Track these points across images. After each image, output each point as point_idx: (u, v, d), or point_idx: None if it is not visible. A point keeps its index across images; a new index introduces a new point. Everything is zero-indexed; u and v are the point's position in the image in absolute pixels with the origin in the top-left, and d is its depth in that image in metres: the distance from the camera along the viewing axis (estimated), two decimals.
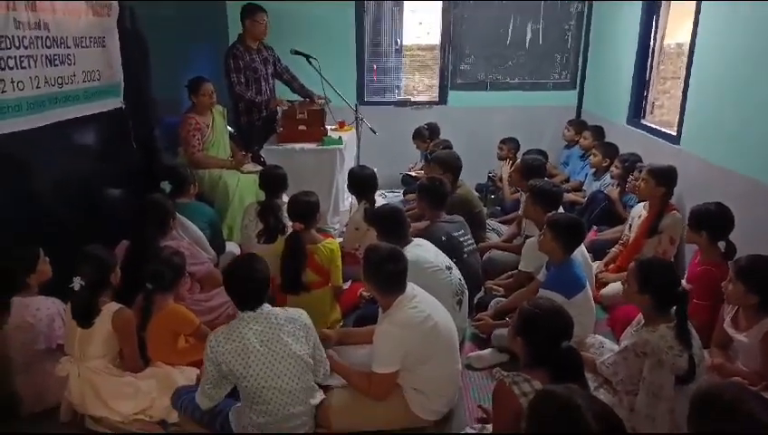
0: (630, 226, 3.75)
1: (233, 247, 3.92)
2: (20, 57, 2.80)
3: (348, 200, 4.87)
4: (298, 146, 4.71)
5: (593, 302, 2.99)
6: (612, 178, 4.43)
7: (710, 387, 1.35)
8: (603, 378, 2.46)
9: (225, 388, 2.25)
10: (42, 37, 2.98)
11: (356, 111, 4.85)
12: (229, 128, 4.69)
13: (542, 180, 3.63)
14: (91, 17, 3.43)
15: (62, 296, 2.58)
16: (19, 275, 2.52)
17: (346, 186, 4.15)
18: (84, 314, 2.41)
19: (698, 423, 1.29)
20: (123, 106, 3.76)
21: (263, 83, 4.92)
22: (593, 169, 4.87)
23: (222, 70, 4.82)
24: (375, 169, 3.98)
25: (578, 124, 5.70)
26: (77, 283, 2.38)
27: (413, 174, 5.60)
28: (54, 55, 3.09)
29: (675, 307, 2.25)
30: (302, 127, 4.79)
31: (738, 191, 3.24)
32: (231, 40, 5.10)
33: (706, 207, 2.90)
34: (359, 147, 4.96)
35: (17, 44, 2.78)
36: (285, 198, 3.61)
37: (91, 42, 3.44)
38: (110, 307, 2.47)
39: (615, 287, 3.40)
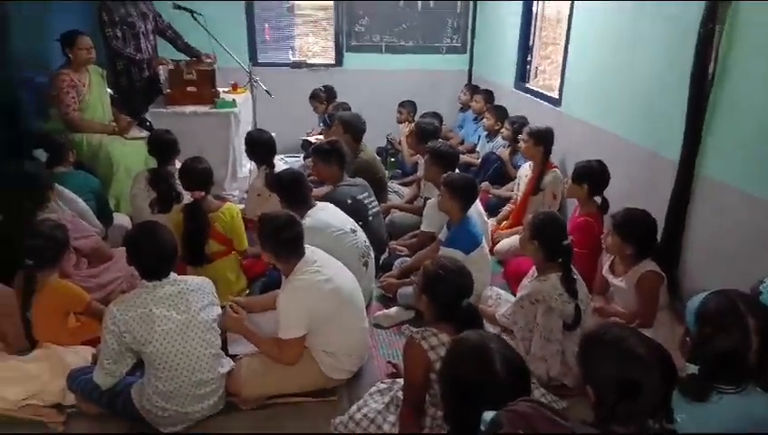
0: (518, 185, 4.00)
1: (122, 219, 3.65)
2: None
3: (246, 166, 4.71)
4: (188, 109, 4.44)
5: (489, 256, 3.18)
6: (504, 139, 4.67)
7: (596, 328, 1.51)
8: (501, 328, 2.64)
9: (127, 363, 2.15)
10: None
11: (249, 72, 4.65)
12: (109, 90, 4.30)
13: (440, 142, 3.74)
14: None
15: None
16: None
17: (244, 151, 4.00)
18: None
19: (588, 360, 1.45)
20: None
21: (142, 39, 4.53)
22: (486, 132, 5.09)
23: (95, 25, 4.37)
24: (273, 134, 3.87)
25: (471, 88, 5.90)
26: None
27: (312, 139, 5.51)
28: None
29: (561, 259, 2.47)
30: (190, 88, 4.52)
31: (612, 150, 3.56)
32: None
33: (589, 163, 3.17)
34: (254, 110, 4.79)
35: None
36: (178, 164, 3.42)
37: None
38: None
39: (507, 242, 3.63)
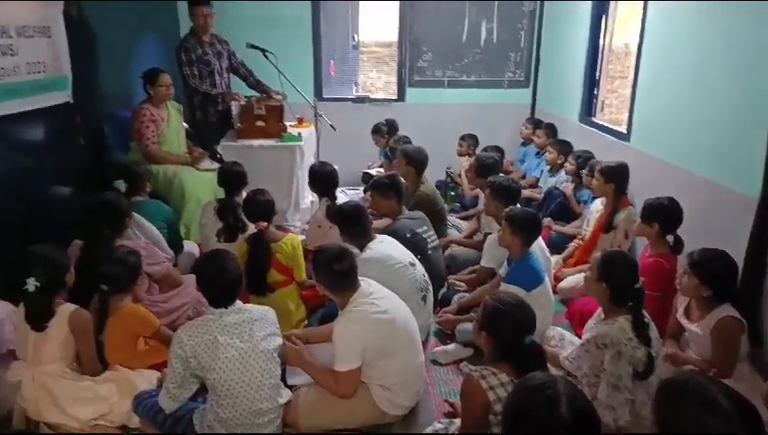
0: (588, 220, 3.88)
1: (191, 247, 3.82)
2: None
3: (308, 198, 4.82)
4: (256, 142, 4.63)
5: (552, 295, 3.08)
6: (567, 174, 4.57)
7: (675, 376, 1.42)
8: (565, 371, 2.54)
9: (191, 388, 2.21)
10: None
11: (315, 107, 4.81)
12: (185, 125, 4.56)
13: (502, 176, 3.70)
14: (35, 5, 3.25)
15: (8, 299, 2.46)
16: None
17: (307, 183, 4.11)
18: (38, 317, 2.30)
19: (665, 411, 1.35)
20: (71, 100, 3.59)
21: (217, 77, 4.79)
22: (548, 166, 5.01)
23: (174, 63, 4.67)
24: (335, 166, 3.96)
25: (533, 122, 5.84)
26: (31, 284, 2.25)
27: (372, 172, 5.59)
28: None
29: (631, 303, 2.35)
30: (260, 123, 4.71)
31: (684, 187, 3.40)
32: (182, 32, 4.97)
33: (659, 201, 3.03)
34: (318, 143, 4.93)
35: None
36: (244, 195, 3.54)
37: (35, 32, 3.26)
38: (65, 308, 2.36)
39: (572, 280, 3.51)
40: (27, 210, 3.14)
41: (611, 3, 4.95)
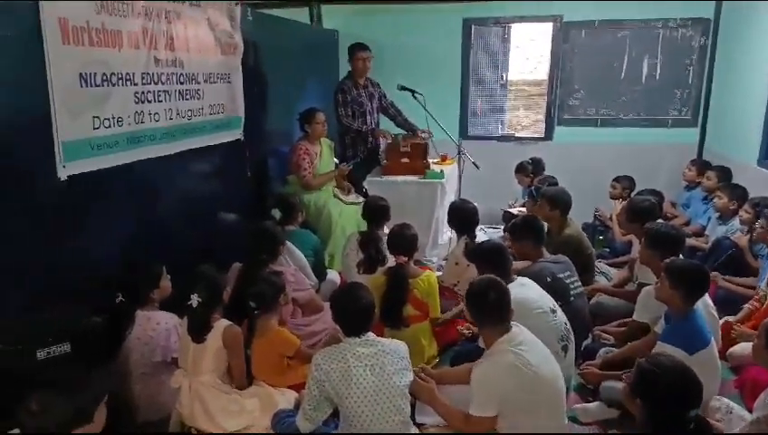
0: None
1: (333, 275, 4.01)
2: (157, 92, 3.09)
3: (447, 234, 4.83)
4: (400, 178, 4.78)
5: (719, 360, 2.70)
6: (742, 223, 4.04)
7: None
8: None
9: (325, 411, 2.27)
10: (176, 74, 3.26)
11: (458, 145, 4.85)
12: (336, 160, 4.87)
13: (661, 223, 3.38)
14: (219, 56, 3.72)
15: (176, 313, 2.74)
16: (144, 290, 2.71)
17: (446, 220, 4.12)
18: (199, 330, 2.53)
19: None
20: (242, 138, 4.02)
21: (368, 116, 5.08)
22: (718, 213, 4.47)
23: (328, 103, 5.04)
24: (476, 204, 3.93)
25: (701, 164, 5.29)
26: (195, 299, 2.51)
27: (514, 211, 5.45)
28: (186, 90, 3.37)
29: None
30: (404, 160, 4.87)
31: None
32: (341, 74, 5.35)
33: None
34: (460, 181, 4.94)
35: (155, 80, 3.06)
36: (387, 230, 3.65)
37: (218, 78, 3.73)
38: (221, 323, 2.58)
39: (746, 346, 3.04)
40: (200, 233, 3.54)
41: None
